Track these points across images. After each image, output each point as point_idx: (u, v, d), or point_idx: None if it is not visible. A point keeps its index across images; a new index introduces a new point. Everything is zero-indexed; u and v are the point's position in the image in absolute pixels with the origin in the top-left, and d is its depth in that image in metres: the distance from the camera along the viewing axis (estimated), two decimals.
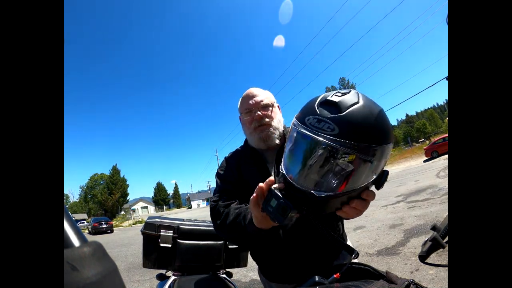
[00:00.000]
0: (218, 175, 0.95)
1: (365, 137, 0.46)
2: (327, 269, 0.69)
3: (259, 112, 0.89)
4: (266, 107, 0.91)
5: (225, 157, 1.00)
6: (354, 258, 0.53)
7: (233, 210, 0.78)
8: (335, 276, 0.52)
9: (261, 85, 1.03)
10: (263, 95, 0.93)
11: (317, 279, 0.51)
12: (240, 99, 0.97)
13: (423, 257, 0.52)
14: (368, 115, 0.47)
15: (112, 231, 20.36)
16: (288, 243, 0.79)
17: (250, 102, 0.91)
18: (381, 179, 0.53)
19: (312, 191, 0.50)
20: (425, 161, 16.12)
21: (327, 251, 0.83)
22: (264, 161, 0.90)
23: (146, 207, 56.24)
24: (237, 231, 0.74)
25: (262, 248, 0.84)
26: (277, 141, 0.89)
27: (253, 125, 0.90)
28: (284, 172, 0.54)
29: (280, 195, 0.53)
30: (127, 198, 50.99)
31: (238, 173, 0.91)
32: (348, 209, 0.55)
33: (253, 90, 0.95)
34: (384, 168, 0.53)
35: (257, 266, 0.92)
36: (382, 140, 0.47)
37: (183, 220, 1.31)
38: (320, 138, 0.46)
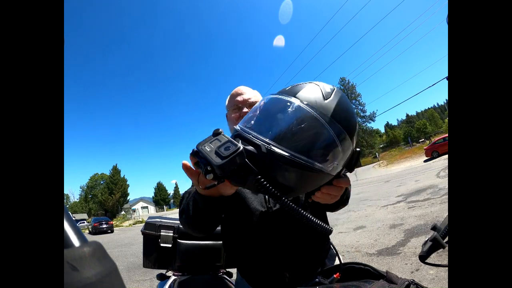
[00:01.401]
0: None
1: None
2: (327, 270, 0.69)
3: (246, 109, 0.90)
4: (254, 105, 0.90)
5: None
6: (328, 234, 0.50)
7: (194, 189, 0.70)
8: (335, 276, 0.52)
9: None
10: (251, 94, 0.95)
11: (317, 279, 0.51)
12: (228, 96, 0.98)
13: (423, 257, 0.52)
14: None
15: (112, 231, 20.40)
16: (271, 243, 0.74)
17: (239, 98, 0.92)
18: (352, 161, 0.53)
19: (263, 143, 0.46)
20: (425, 161, 16.12)
21: (313, 252, 0.78)
22: None
23: (147, 207, 56.22)
24: (192, 206, 0.66)
25: (243, 248, 0.79)
26: None
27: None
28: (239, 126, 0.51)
29: (226, 137, 0.46)
30: (128, 198, 51.00)
31: None
32: (321, 194, 0.56)
33: (242, 88, 0.96)
34: (357, 149, 0.54)
35: None
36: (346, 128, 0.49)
37: None
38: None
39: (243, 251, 0.80)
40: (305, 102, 0.49)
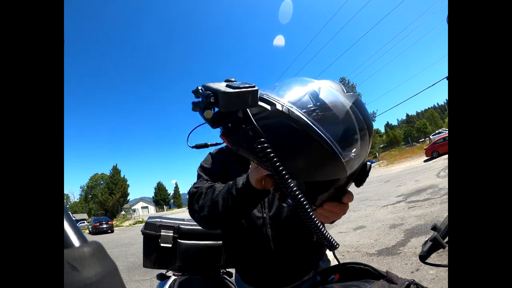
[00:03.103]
0: (202, 168, 0.88)
1: None
2: (326, 270, 0.69)
3: None
4: None
5: (210, 153, 0.94)
6: (332, 250, 0.46)
7: (220, 185, 0.71)
8: (334, 276, 0.52)
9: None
10: None
11: (316, 279, 0.51)
12: None
13: (423, 257, 0.52)
14: None
15: (112, 231, 20.41)
16: (265, 247, 0.76)
17: None
18: (362, 173, 0.49)
19: (281, 103, 0.42)
20: (425, 161, 16.11)
21: (309, 253, 0.80)
22: None
23: (147, 207, 56.21)
24: (224, 202, 0.64)
25: (242, 250, 0.81)
26: None
27: None
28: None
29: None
30: (128, 198, 50.99)
31: (224, 170, 0.85)
32: (323, 211, 0.52)
33: None
34: (366, 161, 0.49)
35: None
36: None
37: (183, 220, 1.31)
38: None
39: (240, 253, 0.82)
40: (328, 85, 0.46)
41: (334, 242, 0.44)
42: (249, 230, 0.77)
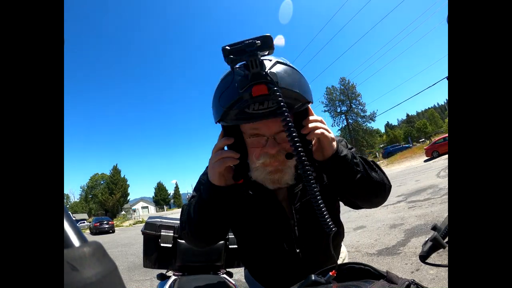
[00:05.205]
0: (198, 182, 0.79)
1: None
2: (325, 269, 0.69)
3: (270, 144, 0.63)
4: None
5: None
6: (330, 233, 0.51)
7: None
8: (330, 273, 0.51)
9: None
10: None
11: (313, 278, 0.51)
12: None
13: (423, 257, 0.52)
14: None
15: (113, 231, 20.46)
16: (296, 260, 0.76)
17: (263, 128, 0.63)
18: None
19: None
20: (425, 161, 16.10)
21: (325, 256, 0.80)
22: (275, 198, 0.75)
23: (147, 207, 56.19)
24: (195, 210, 0.68)
25: (264, 259, 0.81)
26: (290, 181, 0.69)
27: (262, 159, 0.64)
28: None
29: None
30: (128, 198, 50.99)
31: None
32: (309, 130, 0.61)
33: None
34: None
35: None
36: None
37: None
38: None
39: (259, 260, 0.82)
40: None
41: (331, 225, 0.50)
42: (269, 236, 0.77)
